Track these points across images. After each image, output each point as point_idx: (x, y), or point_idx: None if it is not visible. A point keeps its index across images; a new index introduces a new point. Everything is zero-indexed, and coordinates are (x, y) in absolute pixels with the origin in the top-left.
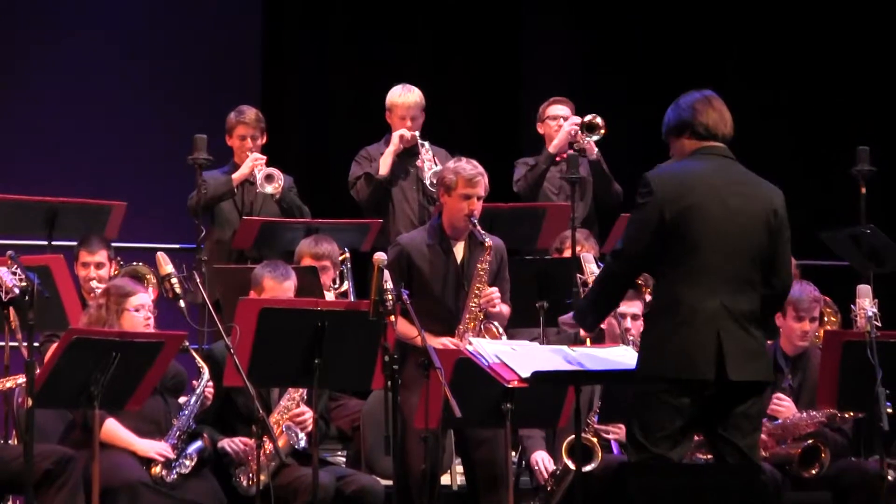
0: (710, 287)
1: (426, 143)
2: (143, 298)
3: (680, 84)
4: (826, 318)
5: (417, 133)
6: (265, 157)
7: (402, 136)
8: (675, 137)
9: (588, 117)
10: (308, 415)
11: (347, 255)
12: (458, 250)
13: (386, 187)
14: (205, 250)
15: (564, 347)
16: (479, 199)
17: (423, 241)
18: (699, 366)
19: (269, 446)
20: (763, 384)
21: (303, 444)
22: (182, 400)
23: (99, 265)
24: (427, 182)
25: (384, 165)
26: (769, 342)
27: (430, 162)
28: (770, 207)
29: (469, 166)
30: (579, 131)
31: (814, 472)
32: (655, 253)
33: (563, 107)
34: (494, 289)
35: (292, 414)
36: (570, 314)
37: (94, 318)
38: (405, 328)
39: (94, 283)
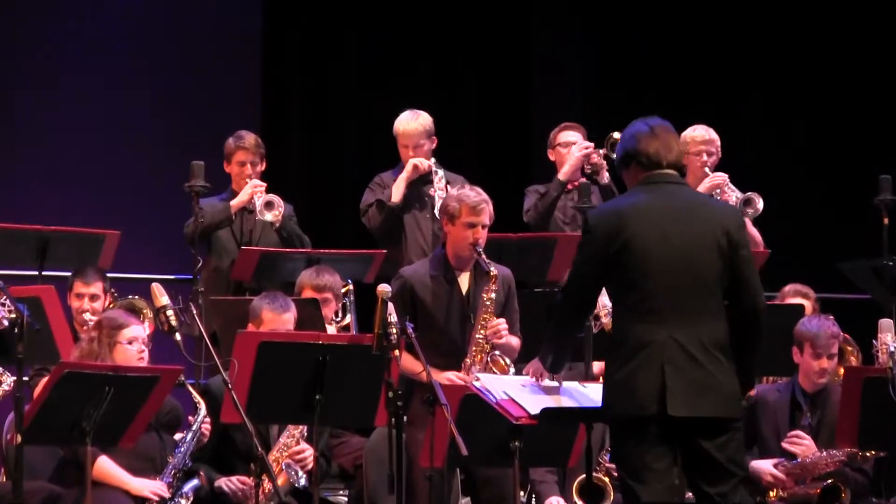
0: (657, 320)
1: (440, 171)
2: (137, 331)
3: (694, 111)
4: (846, 358)
5: (433, 161)
6: (265, 184)
7: (416, 166)
8: (623, 169)
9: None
10: (308, 452)
11: (350, 286)
12: (464, 281)
13: (398, 215)
14: (201, 281)
15: (575, 383)
16: (483, 227)
17: (426, 272)
18: (643, 401)
19: (267, 485)
20: (723, 422)
21: (303, 482)
22: (178, 436)
23: (94, 297)
24: (437, 211)
25: (396, 192)
26: (781, 380)
27: (441, 191)
28: (720, 230)
29: (473, 193)
30: (595, 148)
31: None
32: (600, 288)
33: (575, 133)
34: (501, 320)
35: (292, 451)
36: (533, 361)
37: (86, 352)
38: (410, 363)
39: (87, 316)
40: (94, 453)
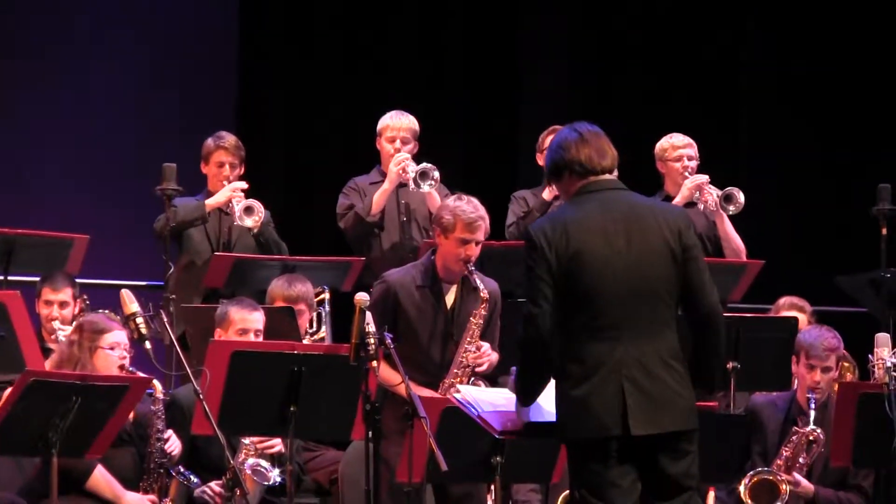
0: (611, 335)
1: (424, 185)
2: (119, 336)
3: (690, 121)
4: (842, 374)
5: (410, 169)
6: (246, 186)
7: (398, 174)
8: (556, 181)
9: None
10: (277, 442)
11: (327, 295)
12: (450, 295)
13: (375, 227)
14: (171, 283)
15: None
16: (477, 244)
17: (412, 281)
18: (604, 422)
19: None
20: (681, 434)
21: (276, 478)
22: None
23: (63, 304)
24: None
25: (377, 205)
26: (778, 393)
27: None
28: (670, 233)
29: (469, 208)
30: None
31: None
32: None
33: None
34: (486, 346)
35: (261, 445)
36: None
37: (66, 356)
38: (388, 374)
39: (56, 324)
40: (91, 464)
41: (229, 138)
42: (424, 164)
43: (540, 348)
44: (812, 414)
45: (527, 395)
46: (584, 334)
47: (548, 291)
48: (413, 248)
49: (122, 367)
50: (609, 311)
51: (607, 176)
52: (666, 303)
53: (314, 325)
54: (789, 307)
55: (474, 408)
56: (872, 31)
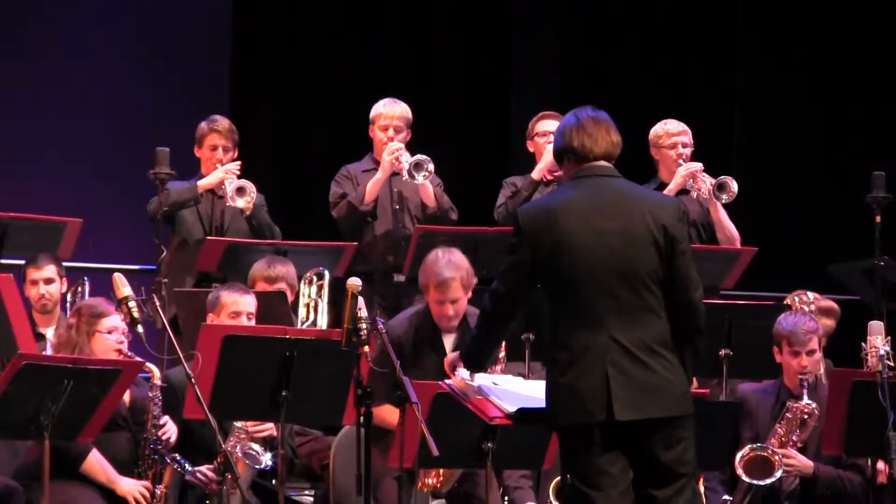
0: (595, 321)
1: (419, 177)
2: (117, 320)
3: (686, 106)
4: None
5: (404, 160)
6: (240, 163)
7: (391, 163)
8: (560, 165)
9: None
10: (269, 426)
11: (326, 279)
12: (448, 341)
13: (368, 216)
14: (164, 267)
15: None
16: (453, 302)
17: (412, 335)
18: (590, 407)
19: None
20: (672, 421)
21: (267, 462)
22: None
23: (48, 280)
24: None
25: (370, 194)
26: (768, 382)
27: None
28: (655, 223)
29: (442, 263)
30: None
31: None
32: (532, 290)
33: (554, 122)
34: None
35: (254, 430)
36: (453, 353)
37: (64, 340)
38: (388, 415)
39: (46, 301)
40: (87, 448)
41: (223, 121)
42: (419, 156)
43: (499, 325)
44: (805, 395)
45: (475, 360)
46: (569, 321)
47: (520, 278)
48: (405, 236)
49: (119, 352)
50: (592, 298)
51: (601, 163)
52: (651, 290)
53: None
54: (820, 313)
55: (466, 393)
56: (870, 10)
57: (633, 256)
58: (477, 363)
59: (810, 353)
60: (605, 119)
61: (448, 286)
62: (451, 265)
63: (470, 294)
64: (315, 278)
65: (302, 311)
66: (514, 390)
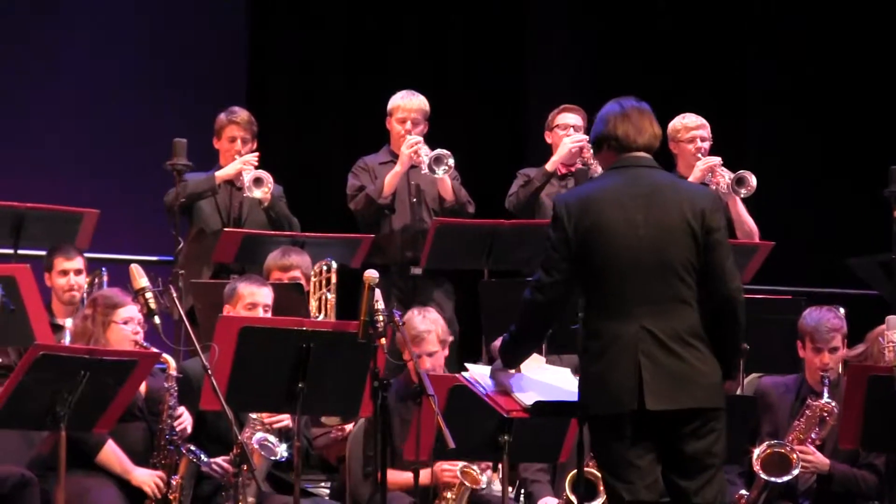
0: (627, 311)
1: (439, 171)
2: (133, 311)
3: (691, 95)
4: None
5: (423, 153)
6: (257, 154)
7: (409, 157)
8: (598, 152)
9: None
10: (285, 417)
11: (334, 268)
12: None
13: (386, 209)
14: (181, 258)
15: (568, 373)
16: (430, 355)
17: (397, 397)
18: (620, 397)
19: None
20: (703, 412)
21: (284, 454)
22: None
23: (78, 271)
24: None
25: (388, 187)
26: (790, 377)
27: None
28: (691, 213)
29: (417, 319)
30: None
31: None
32: (574, 283)
33: (575, 115)
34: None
35: (270, 421)
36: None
37: (80, 330)
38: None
39: (75, 293)
40: (103, 438)
41: (242, 113)
42: (439, 150)
43: (541, 314)
44: (825, 393)
45: (513, 357)
46: (602, 311)
47: (562, 264)
48: (423, 229)
49: (135, 342)
50: (625, 288)
51: (642, 153)
52: (685, 281)
53: (322, 308)
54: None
55: (482, 386)
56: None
57: (668, 246)
58: (517, 360)
59: (833, 350)
60: (648, 110)
61: (423, 339)
62: (427, 322)
63: (447, 352)
64: (324, 269)
65: (313, 304)
66: (537, 378)
